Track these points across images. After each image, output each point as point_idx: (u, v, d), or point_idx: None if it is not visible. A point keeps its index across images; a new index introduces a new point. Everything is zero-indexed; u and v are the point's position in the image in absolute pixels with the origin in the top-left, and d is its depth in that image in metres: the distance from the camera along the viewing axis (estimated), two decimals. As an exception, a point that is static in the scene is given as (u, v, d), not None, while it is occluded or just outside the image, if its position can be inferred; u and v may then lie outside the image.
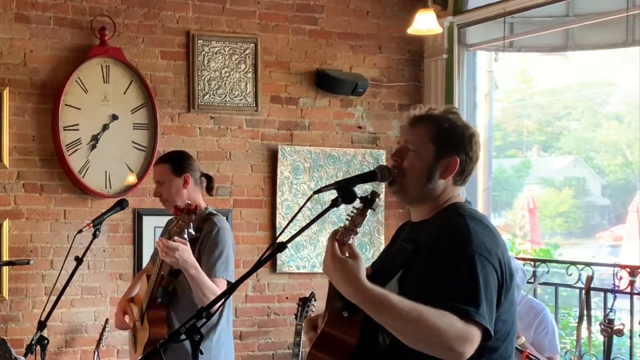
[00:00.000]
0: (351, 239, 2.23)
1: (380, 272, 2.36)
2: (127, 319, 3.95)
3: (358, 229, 2.25)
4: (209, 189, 3.99)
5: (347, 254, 2.19)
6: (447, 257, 2.20)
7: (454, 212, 2.35)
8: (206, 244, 3.70)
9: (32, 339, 3.59)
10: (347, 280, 2.15)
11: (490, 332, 2.16)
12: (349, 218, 2.27)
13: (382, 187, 5.82)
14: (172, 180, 3.84)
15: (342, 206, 2.32)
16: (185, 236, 3.50)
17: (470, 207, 2.41)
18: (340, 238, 2.22)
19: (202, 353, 2.25)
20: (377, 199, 2.30)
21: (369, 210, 2.28)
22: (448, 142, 2.37)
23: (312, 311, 5.27)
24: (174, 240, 3.49)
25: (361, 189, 2.29)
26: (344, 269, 2.15)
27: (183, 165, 3.88)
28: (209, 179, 4.00)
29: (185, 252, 3.50)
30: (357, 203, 2.28)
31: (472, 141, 2.40)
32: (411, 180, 2.37)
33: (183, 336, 2.19)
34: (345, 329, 2.26)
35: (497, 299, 2.23)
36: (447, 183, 2.38)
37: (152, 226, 5.35)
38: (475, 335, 2.13)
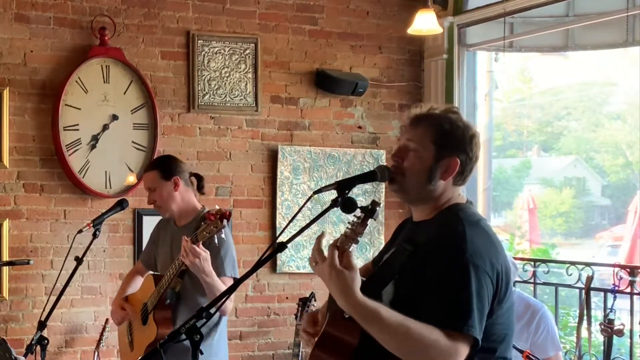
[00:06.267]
0: (351, 247, 2.25)
1: (379, 273, 2.37)
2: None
3: (359, 238, 2.27)
4: (200, 188, 4.01)
5: (344, 264, 2.20)
6: (441, 265, 2.20)
7: (454, 214, 2.33)
8: (209, 244, 3.69)
9: (32, 339, 3.59)
10: (341, 291, 2.18)
11: (478, 342, 2.18)
12: (350, 227, 2.28)
13: (382, 187, 5.85)
14: (162, 185, 3.87)
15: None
16: (217, 241, 3.56)
17: (471, 208, 2.39)
18: (341, 245, 2.24)
19: (202, 353, 2.25)
20: (377, 208, 2.30)
21: (370, 219, 2.29)
22: (448, 143, 2.36)
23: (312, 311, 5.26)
24: (199, 247, 3.55)
25: (361, 189, 2.30)
26: (339, 280, 2.18)
27: (170, 168, 3.90)
28: (199, 178, 4.02)
29: (206, 261, 3.57)
30: (358, 212, 2.28)
31: (472, 142, 2.38)
32: (411, 181, 2.36)
33: (183, 336, 2.20)
34: (346, 329, 2.27)
35: (492, 305, 2.22)
36: (447, 183, 2.36)
37: (152, 226, 5.33)
38: (461, 349, 2.16)
